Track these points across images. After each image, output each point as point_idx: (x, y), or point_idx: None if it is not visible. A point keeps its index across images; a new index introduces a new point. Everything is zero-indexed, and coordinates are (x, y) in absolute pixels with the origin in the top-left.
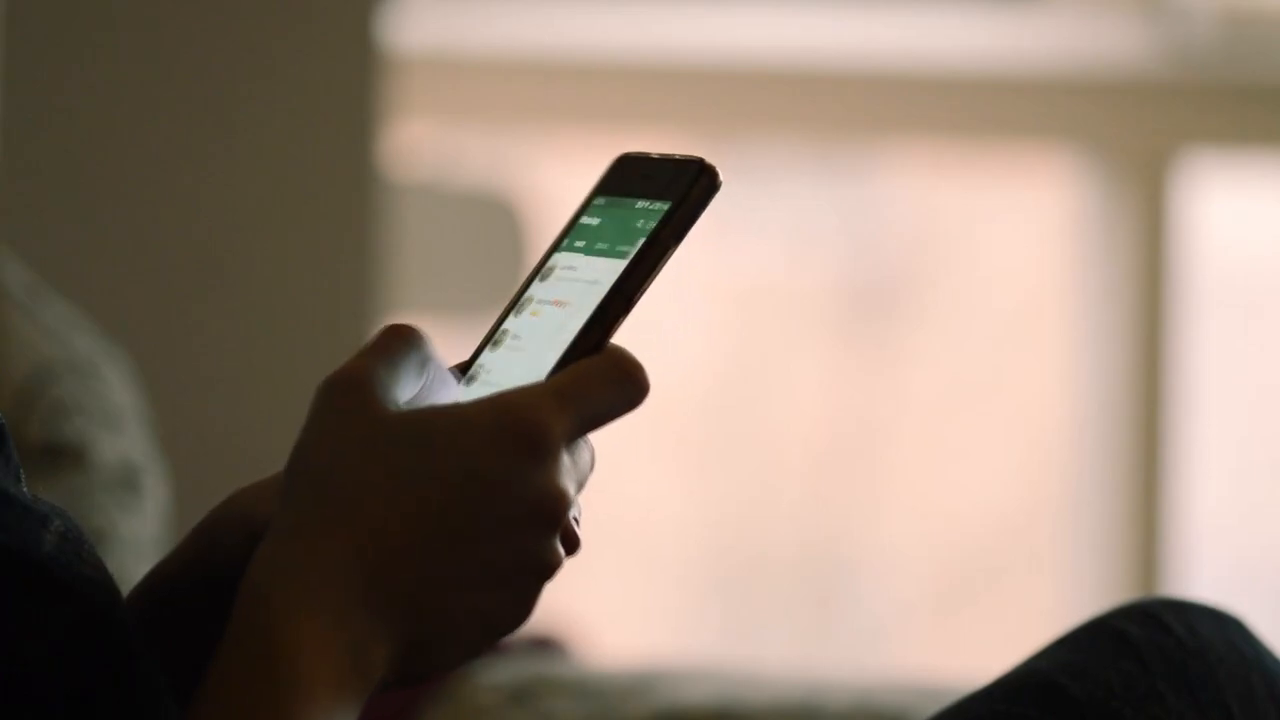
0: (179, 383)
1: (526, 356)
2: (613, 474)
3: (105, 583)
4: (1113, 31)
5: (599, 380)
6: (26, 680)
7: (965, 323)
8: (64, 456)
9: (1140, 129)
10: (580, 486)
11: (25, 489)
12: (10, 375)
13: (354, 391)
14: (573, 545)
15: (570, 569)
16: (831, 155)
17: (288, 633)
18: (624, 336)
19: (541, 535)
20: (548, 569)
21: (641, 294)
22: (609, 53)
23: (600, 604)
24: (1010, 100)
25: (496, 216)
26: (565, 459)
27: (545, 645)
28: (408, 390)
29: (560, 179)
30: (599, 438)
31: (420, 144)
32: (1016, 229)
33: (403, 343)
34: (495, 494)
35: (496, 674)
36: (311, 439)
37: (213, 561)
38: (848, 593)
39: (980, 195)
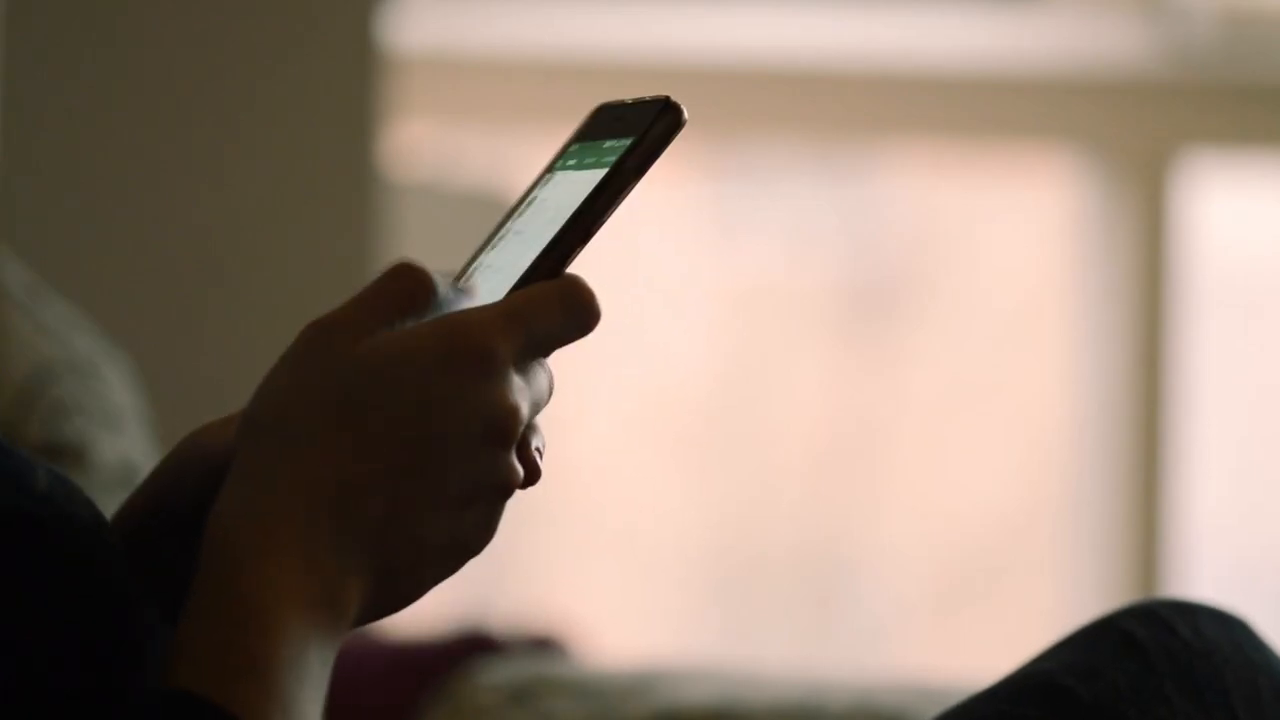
0: (179, 383)
1: (492, 285)
2: (613, 474)
3: (95, 521)
4: (1113, 31)
5: (548, 302)
6: (17, 619)
7: (965, 323)
8: (64, 456)
9: (1140, 129)
10: (536, 408)
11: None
12: (10, 375)
13: (326, 337)
14: (533, 474)
15: (570, 569)
16: (831, 155)
17: (252, 575)
18: (626, 327)
19: (495, 451)
20: (506, 486)
21: (600, 224)
22: (609, 53)
23: (600, 604)
24: (1010, 100)
25: (496, 216)
26: (516, 378)
27: (545, 645)
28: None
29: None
30: (599, 429)
31: (420, 144)
32: (1016, 229)
33: (403, 294)
34: (445, 415)
35: (496, 674)
36: (270, 382)
37: (174, 498)
38: (848, 593)
39: (980, 195)
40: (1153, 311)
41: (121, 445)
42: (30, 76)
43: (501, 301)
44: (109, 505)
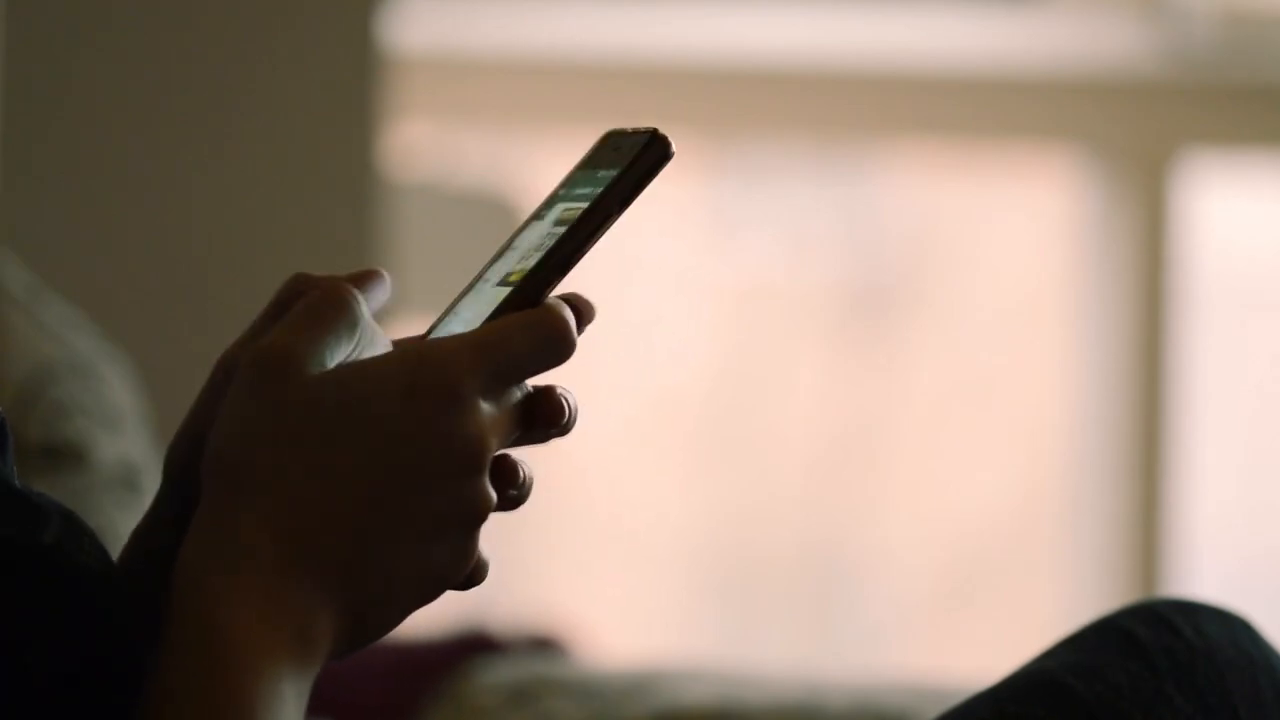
0: (179, 383)
1: (474, 314)
2: (613, 474)
3: (106, 574)
4: (1113, 31)
5: (519, 332)
6: (21, 665)
7: (965, 323)
8: (64, 456)
9: (1140, 129)
10: (509, 434)
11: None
12: (10, 375)
13: (273, 368)
14: (522, 493)
15: (570, 569)
16: (831, 155)
17: (220, 617)
18: (624, 329)
19: (464, 482)
20: (477, 515)
21: (580, 255)
22: (609, 53)
23: (600, 604)
24: (1010, 100)
25: (496, 216)
26: (485, 406)
27: (545, 645)
28: (336, 358)
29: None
30: (599, 429)
31: (420, 144)
32: (1016, 229)
33: (331, 309)
34: (411, 447)
35: (496, 674)
36: (226, 422)
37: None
38: (848, 593)
39: (980, 195)
40: (1153, 311)
41: (121, 445)
42: (30, 76)
43: (472, 332)
44: (109, 505)
